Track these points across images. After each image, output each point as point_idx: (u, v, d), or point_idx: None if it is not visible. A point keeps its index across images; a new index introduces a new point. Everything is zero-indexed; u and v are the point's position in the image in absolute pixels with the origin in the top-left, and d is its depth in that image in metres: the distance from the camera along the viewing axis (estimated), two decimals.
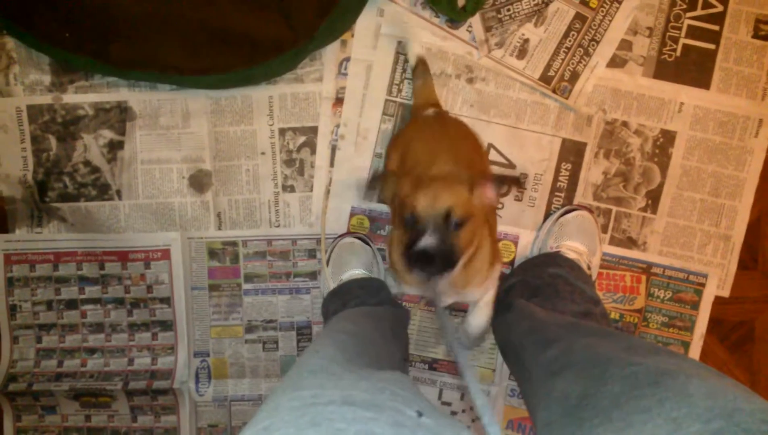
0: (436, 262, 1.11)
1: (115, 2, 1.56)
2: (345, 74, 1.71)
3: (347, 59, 1.72)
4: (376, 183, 1.28)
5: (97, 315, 1.72)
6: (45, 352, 1.73)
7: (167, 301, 1.72)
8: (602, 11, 1.71)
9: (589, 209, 1.68)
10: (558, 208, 1.71)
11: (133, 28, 1.57)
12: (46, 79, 1.68)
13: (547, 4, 1.70)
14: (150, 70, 1.59)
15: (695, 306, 1.73)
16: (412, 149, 1.44)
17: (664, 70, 1.72)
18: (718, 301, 1.72)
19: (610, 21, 1.71)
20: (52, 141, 1.69)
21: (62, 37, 1.56)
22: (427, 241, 1.10)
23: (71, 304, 1.72)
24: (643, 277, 1.73)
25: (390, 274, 1.60)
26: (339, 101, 1.72)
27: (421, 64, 1.64)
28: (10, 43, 1.67)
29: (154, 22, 1.56)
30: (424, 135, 1.49)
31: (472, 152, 1.48)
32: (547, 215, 1.72)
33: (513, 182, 1.21)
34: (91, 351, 1.73)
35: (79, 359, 1.72)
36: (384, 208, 1.71)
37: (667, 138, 1.72)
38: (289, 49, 1.58)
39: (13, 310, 1.72)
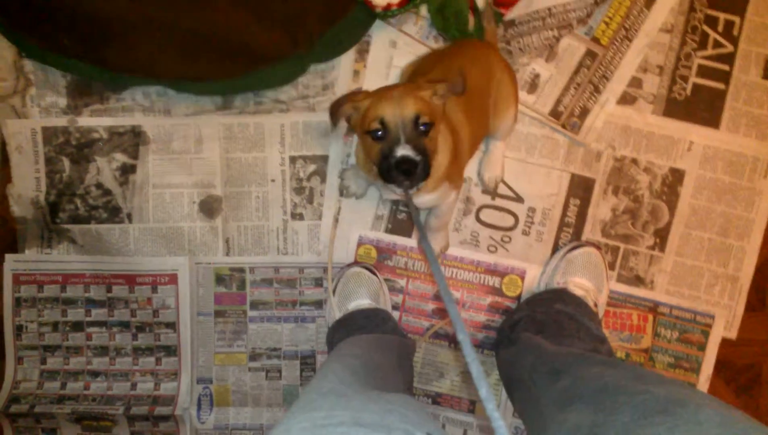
0: (418, 169, 1.08)
1: (111, 8, 1.57)
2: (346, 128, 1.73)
3: (359, 90, 1.73)
4: (335, 107, 1.22)
5: (103, 338, 1.72)
6: (49, 374, 1.73)
7: (172, 325, 1.72)
8: (613, 48, 1.73)
9: (597, 246, 1.68)
10: (566, 244, 1.71)
11: (130, 33, 1.57)
12: (62, 101, 1.71)
13: (558, 40, 1.72)
14: (147, 76, 1.60)
15: (702, 347, 1.71)
16: (422, 61, 1.44)
17: (674, 108, 1.73)
18: (726, 343, 1.71)
19: (621, 58, 1.73)
20: (66, 163, 1.71)
21: (61, 44, 1.57)
22: (405, 149, 1.08)
23: (77, 326, 1.73)
24: (650, 316, 1.72)
25: (352, 173, 1.65)
26: (350, 131, 1.73)
27: (489, 7, 1.62)
28: (29, 65, 1.69)
29: (150, 28, 1.57)
30: (442, 51, 1.50)
31: (479, 77, 1.41)
32: (554, 250, 1.72)
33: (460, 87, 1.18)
34: (95, 374, 1.73)
35: (82, 382, 1.72)
36: (393, 238, 1.72)
37: (676, 176, 1.73)
38: (289, 54, 1.58)
39: (19, 330, 1.73)
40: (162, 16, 1.57)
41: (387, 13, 1.63)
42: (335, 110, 1.20)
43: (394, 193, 1.33)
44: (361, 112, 1.17)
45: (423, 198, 1.34)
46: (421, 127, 1.11)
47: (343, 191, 1.70)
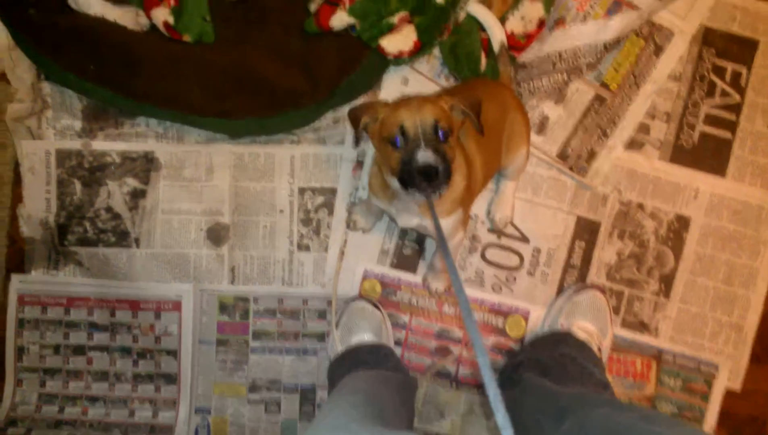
0: (439, 174, 1.08)
1: (140, 40, 1.62)
2: (367, 139, 1.75)
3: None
4: (354, 115, 1.22)
5: (103, 363, 1.72)
6: (47, 397, 1.72)
7: (174, 353, 1.71)
8: (621, 94, 1.76)
9: (602, 290, 1.67)
10: (570, 286, 1.71)
11: (157, 65, 1.61)
12: (77, 124, 1.73)
13: (567, 84, 1.74)
14: (169, 107, 1.62)
15: (705, 397, 1.70)
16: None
17: (681, 155, 1.75)
18: (730, 393, 1.70)
19: (629, 104, 1.75)
20: (77, 185, 1.72)
21: (86, 69, 1.60)
22: (427, 153, 1.07)
23: (78, 350, 1.72)
24: (654, 363, 1.71)
25: (362, 208, 1.65)
26: (359, 165, 1.75)
27: (505, 51, 1.65)
28: (47, 88, 1.72)
29: (177, 62, 1.61)
30: (457, 87, 1.54)
31: (494, 112, 1.43)
32: (559, 292, 1.72)
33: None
34: (93, 399, 1.71)
35: (80, 407, 1.71)
36: (398, 273, 1.72)
37: (682, 223, 1.74)
38: (308, 103, 1.62)
39: (20, 351, 1.72)
40: (191, 53, 1.61)
41: (399, 61, 1.67)
42: (354, 120, 1.21)
43: (414, 209, 1.31)
44: (378, 121, 1.17)
45: (440, 222, 1.33)
46: (440, 134, 1.12)
47: (350, 225, 1.71)
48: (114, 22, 1.61)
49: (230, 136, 1.73)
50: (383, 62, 1.69)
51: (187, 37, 1.61)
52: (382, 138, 1.15)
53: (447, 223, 1.33)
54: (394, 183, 1.18)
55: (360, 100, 1.74)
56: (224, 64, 1.60)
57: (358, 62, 1.63)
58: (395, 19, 1.62)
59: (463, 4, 1.66)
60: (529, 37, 1.71)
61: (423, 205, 1.28)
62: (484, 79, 1.67)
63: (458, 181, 1.28)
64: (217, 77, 1.60)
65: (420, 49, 1.64)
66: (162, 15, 1.58)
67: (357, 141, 1.24)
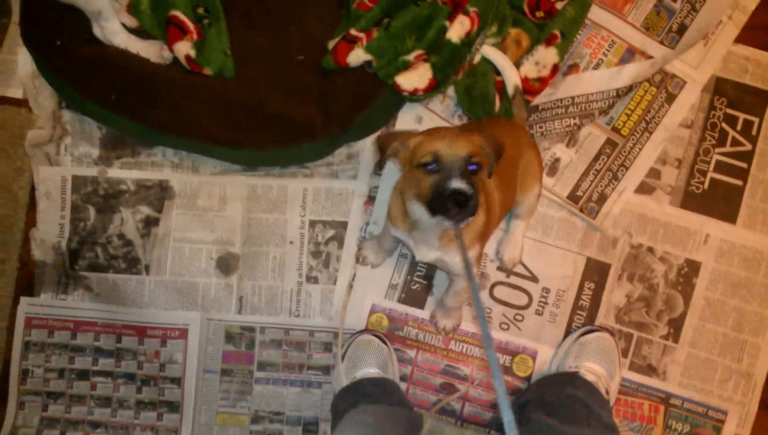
0: (470, 203, 1.09)
1: (161, 71, 1.66)
2: (379, 174, 1.77)
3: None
4: (384, 141, 1.25)
5: (107, 389, 1.71)
6: (49, 421, 1.71)
7: (178, 381, 1.70)
8: (633, 139, 1.77)
9: (611, 331, 1.67)
10: (579, 327, 1.70)
11: (175, 96, 1.64)
12: (95, 152, 1.76)
13: (579, 127, 1.77)
14: (185, 136, 1.65)
15: None
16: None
17: (692, 201, 1.76)
18: None
19: (640, 149, 1.77)
20: (91, 212, 1.74)
21: (108, 98, 1.64)
22: (460, 182, 1.09)
23: (83, 375, 1.72)
24: (662, 408, 1.69)
25: (372, 243, 1.66)
26: (371, 200, 1.76)
27: (519, 94, 1.68)
28: (66, 115, 1.76)
29: (195, 93, 1.64)
30: (473, 124, 1.59)
31: (510, 150, 1.43)
32: (567, 333, 1.71)
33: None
34: (95, 425, 1.70)
35: (82, 432, 1.70)
36: (405, 308, 1.72)
37: (692, 268, 1.73)
38: (323, 137, 1.64)
39: (24, 374, 1.72)
40: (209, 85, 1.64)
41: (414, 98, 1.69)
42: (383, 145, 1.23)
43: (433, 241, 1.31)
44: (410, 148, 1.20)
45: (455, 258, 1.34)
46: (473, 167, 1.14)
47: (360, 259, 1.72)
48: (137, 55, 1.65)
49: (244, 166, 1.75)
50: (398, 99, 1.72)
51: (207, 71, 1.65)
52: (414, 164, 1.17)
53: (459, 258, 1.33)
54: (419, 211, 1.20)
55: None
56: (240, 96, 1.63)
57: (373, 98, 1.66)
58: (411, 57, 1.65)
59: (479, 45, 1.69)
60: (542, 82, 1.74)
61: (443, 237, 1.29)
62: (502, 118, 1.69)
63: (480, 215, 1.30)
64: (233, 108, 1.64)
65: (435, 87, 1.66)
66: (184, 48, 1.62)
67: (381, 166, 1.27)
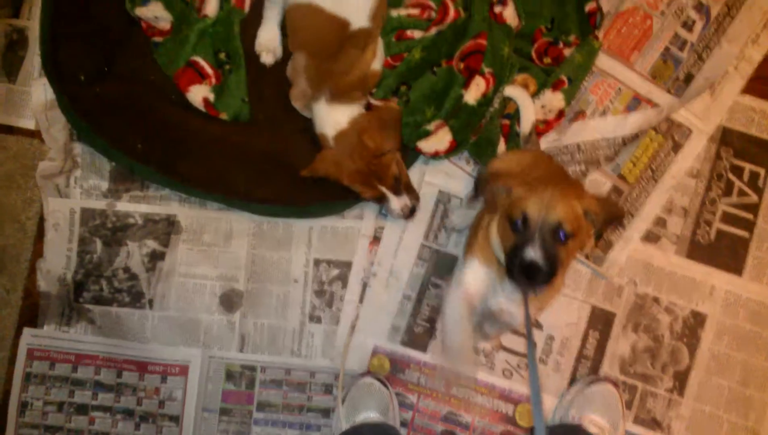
0: (540, 276, 1.06)
1: (189, 121, 1.70)
2: (385, 215, 1.77)
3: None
4: (481, 183, 1.22)
5: (105, 424, 1.70)
6: None
7: (176, 419, 1.69)
8: (639, 187, 1.78)
9: (615, 383, 1.65)
10: (583, 377, 1.68)
11: (204, 148, 1.68)
12: (104, 185, 1.77)
13: (585, 174, 1.77)
14: (215, 192, 1.69)
15: None
16: (520, 163, 1.44)
17: (697, 251, 1.75)
18: None
19: (646, 197, 1.77)
20: (98, 244, 1.75)
21: (134, 147, 1.68)
22: (536, 253, 1.06)
23: (81, 409, 1.70)
24: None
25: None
26: (376, 240, 1.77)
27: (534, 134, 1.68)
28: (78, 148, 1.78)
29: (221, 145, 1.68)
30: (534, 155, 1.53)
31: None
32: (571, 382, 1.69)
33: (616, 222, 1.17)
34: None
35: None
36: (408, 351, 1.71)
37: (698, 320, 1.72)
38: (349, 197, 1.67)
39: (23, 406, 1.71)
40: (236, 136, 1.67)
41: (435, 158, 1.73)
42: (484, 185, 1.20)
43: (513, 295, 1.27)
44: (511, 198, 1.16)
45: (520, 312, 1.29)
46: (561, 236, 1.10)
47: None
48: (161, 92, 1.68)
49: (279, 217, 1.77)
50: (416, 156, 1.75)
51: (224, 116, 1.68)
52: (506, 215, 1.15)
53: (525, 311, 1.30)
54: (501, 256, 1.18)
55: None
56: (265, 149, 1.68)
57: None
58: (432, 126, 1.68)
59: (495, 103, 1.71)
60: (547, 124, 1.76)
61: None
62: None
63: (558, 282, 1.24)
64: (259, 162, 1.68)
65: (455, 148, 1.68)
66: (202, 92, 1.65)
67: (475, 197, 1.24)
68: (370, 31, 1.60)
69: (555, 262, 1.09)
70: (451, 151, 1.70)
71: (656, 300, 1.73)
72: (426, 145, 1.69)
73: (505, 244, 1.15)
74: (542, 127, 1.75)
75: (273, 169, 1.70)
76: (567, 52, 1.81)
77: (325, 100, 1.59)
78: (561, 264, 1.11)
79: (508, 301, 1.30)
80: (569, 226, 1.10)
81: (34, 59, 1.81)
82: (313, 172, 1.60)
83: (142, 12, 1.69)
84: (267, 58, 1.73)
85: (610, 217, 1.18)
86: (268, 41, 1.72)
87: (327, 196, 1.70)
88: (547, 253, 1.08)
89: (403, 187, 1.61)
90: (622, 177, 1.78)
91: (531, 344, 0.81)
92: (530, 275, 1.07)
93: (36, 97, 1.78)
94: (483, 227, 1.32)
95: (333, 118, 1.59)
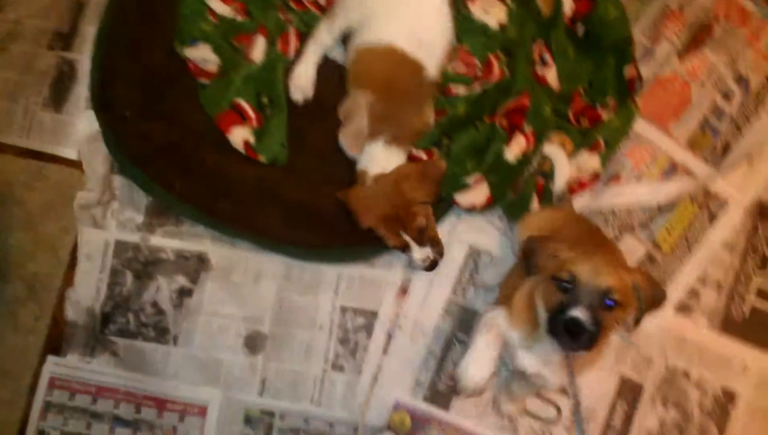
0: (584, 337, 1.06)
1: (228, 162, 1.72)
2: (414, 267, 1.77)
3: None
4: (532, 247, 1.22)
5: None
6: None
7: None
8: (673, 256, 1.76)
9: None
10: None
11: (240, 189, 1.71)
12: (139, 218, 1.79)
13: (618, 239, 1.76)
14: (248, 232, 1.71)
15: None
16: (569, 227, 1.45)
17: (731, 326, 1.72)
18: None
19: (680, 267, 1.76)
20: (129, 277, 1.76)
21: (173, 184, 1.71)
22: (583, 313, 1.06)
23: None
24: None
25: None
26: (403, 291, 1.76)
27: (567, 192, 1.68)
28: (117, 181, 1.80)
29: (260, 188, 1.71)
30: (566, 214, 1.54)
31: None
32: None
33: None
34: None
35: None
36: (430, 408, 1.68)
37: (728, 397, 1.68)
38: (379, 243, 1.67)
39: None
40: (272, 179, 1.71)
41: (469, 212, 1.74)
42: (531, 251, 1.21)
43: (552, 359, 1.27)
44: (559, 260, 1.16)
45: (560, 379, 1.29)
46: (608, 302, 1.10)
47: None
48: (203, 132, 1.72)
49: (308, 260, 1.77)
50: (450, 207, 1.76)
51: (262, 158, 1.70)
52: (553, 275, 1.15)
53: (559, 377, 1.30)
54: (542, 319, 1.18)
55: None
56: (300, 196, 1.70)
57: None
58: (471, 180, 1.69)
59: (534, 162, 1.71)
60: (581, 184, 1.76)
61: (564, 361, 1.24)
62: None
63: (603, 348, 1.24)
64: (292, 206, 1.70)
65: (492, 203, 1.69)
66: (243, 134, 1.68)
67: (528, 271, 1.24)
68: (436, 82, 1.63)
69: (599, 326, 1.08)
70: (487, 206, 1.70)
71: (686, 374, 1.69)
72: (463, 198, 1.69)
73: (548, 303, 1.15)
74: (575, 187, 1.75)
75: (304, 214, 1.72)
76: (604, 115, 1.82)
77: (384, 142, 1.60)
78: (604, 330, 1.10)
79: (543, 364, 1.29)
80: (618, 295, 1.10)
81: (81, 91, 1.85)
82: (346, 198, 1.61)
83: (190, 53, 1.74)
84: (296, 95, 1.75)
85: (656, 297, 1.18)
86: (303, 79, 1.75)
87: (355, 242, 1.70)
88: (593, 316, 1.08)
89: (427, 238, 1.61)
90: (656, 245, 1.77)
91: (576, 404, 0.79)
92: (574, 334, 1.07)
93: (80, 128, 1.82)
94: (524, 286, 1.32)
95: (384, 160, 1.61)
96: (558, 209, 1.66)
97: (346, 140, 1.68)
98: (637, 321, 1.19)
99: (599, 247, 1.40)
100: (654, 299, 1.18)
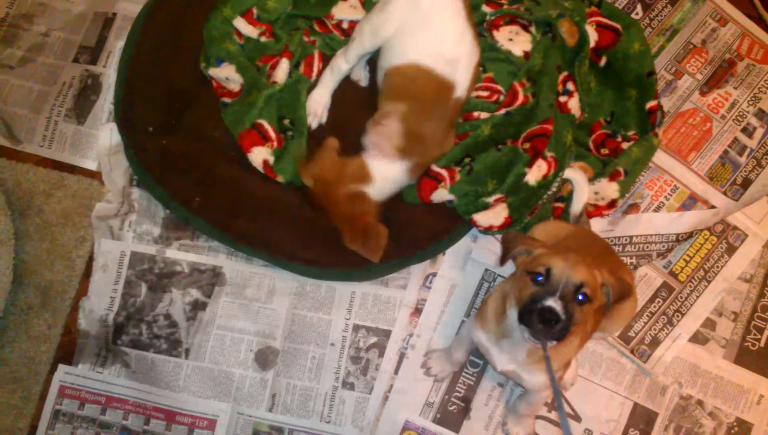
0: (557, 325, 1.09)
1: (246, 181, 1.74)
2: (429, 287, 1.77)
3: (434, 274, 1.78)
4: (509, 243, 1.28)
5: None
6: None
7: None
8: (690, 286, 1.75)
9: None
10: None
11: (257, 207, 1.72)
12: (156, 231, 1.80)
13: (636, 268, 1.75)
14: (261, 250, 1.71)
15: None
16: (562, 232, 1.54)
17: (747, 357, 1.70)
18: None
19: (697, 297, 1.74)
20: (143, 288, 1.77)
21: (192, 200, 1.72)
22: (556, 302, 1.10)
23: None
24: None
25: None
26: (417, 311, 1.75)
27: (585, 214, 1.69)
28: (135, 193, 1.81)
29: (276, 207, 1.72)
30: (575, 228, 1.60)
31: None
32: None
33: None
34: None
35: None
36: (440, 430, 1.66)
37: (743, 428, 1.66)
38: (392, 258, 1.68)
39: None
40: (288, 198, 1.72)
41: (488, 232, 1.74)
42: (509, 246, 1.27)
43: (520, 356, 1.31)
44: (533, 256, 1.22)
45: (535, 377, 1.33)
46: (580, 296, 1.14)
47: (425, 370, 1.70)
48: (223, 150, 1.75)
49: (322, 279, 1.78)
50: (468, 228, 1.76)
51: (280, 178, 1.72)
52: (527, 270, 1.19)
53: (543, 379, 1.32)
54: (513, 315, 1.21)
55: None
56: (311, 216, 1.70)
57: (447, 231, 1.72)
58: (491, 199, 1.69)
59: (553, 187, 1.72)
60: (597, 208, 1.75)
61: (530, 355, 1.29)
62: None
63: (573, 344, 1.30)
64: (306, 225, 1.70)
65: (510, 224, 1.69)
66: (263, 154, 1.70)
67: (503, 262, 1.30)
68: (463, 104, 1.65)
69: (571, 318, 1.12)
70: (505, 228, 1.70)
71: (700, 403, 1.67)
72: (481, 218, 1.69)
73: (522, 296, 1.18)
74: (591, 210, 1.75)
75: (318, 233, 1.71)
76: (625, 145, 1.82)
77: (406, 169, 1.63)
78: (575, 324, 1.14)
79: (511, 361, 1.33)
80: (589, 290, 1.14)
81: (104, 104, 1.88)
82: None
83: (215, 72, 1.76)
84: (310, 120, 1.77)
85: (621, 293, 1.22)
86: (318, 105, 1.77)
87: (366, 262, 1.70)
88: (566, 307, 1.12)
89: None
90: (673, 274, 1.76)
91: (557, 393, 0.80)
92: (546, 322, 1.11)
93: (102, 140, 1.84)
94: (496, 288, 1.39)
95: (392, 182, 1.65)
96: (567, 223, 1.67)
97: (374, 137, 1.65)
98: (604, 312, 1.26)
99: (605, 257, 1.45)
100: (619, 294, 1.22)
